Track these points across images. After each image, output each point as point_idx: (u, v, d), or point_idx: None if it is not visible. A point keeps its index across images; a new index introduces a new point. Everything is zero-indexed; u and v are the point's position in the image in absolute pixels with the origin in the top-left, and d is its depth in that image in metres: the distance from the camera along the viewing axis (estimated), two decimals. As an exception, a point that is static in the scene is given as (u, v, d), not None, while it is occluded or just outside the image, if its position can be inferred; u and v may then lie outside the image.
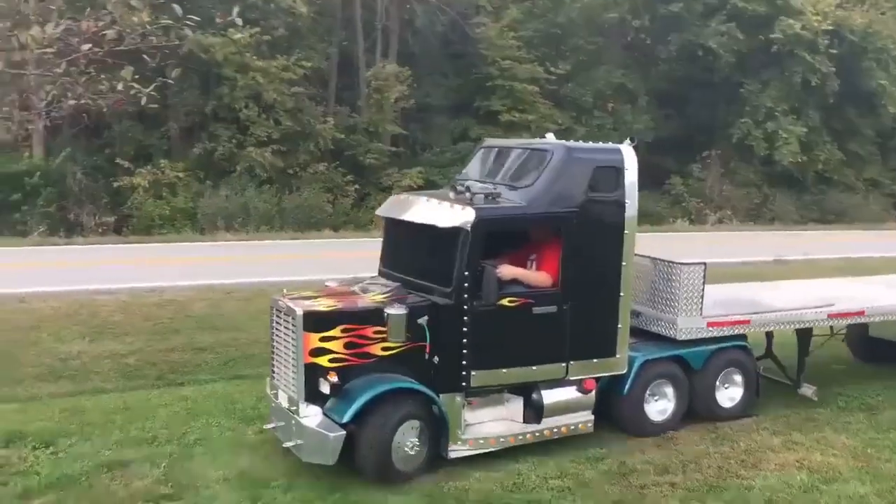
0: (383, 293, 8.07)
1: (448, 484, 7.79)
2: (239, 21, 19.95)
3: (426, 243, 8.35)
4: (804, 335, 10.22)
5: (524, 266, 8.35)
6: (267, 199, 26.22)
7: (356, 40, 30.87)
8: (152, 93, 8.70)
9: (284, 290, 8.30)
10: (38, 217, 24.52)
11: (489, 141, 9.88)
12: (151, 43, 8.17)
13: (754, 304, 9.91)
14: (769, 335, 10.27)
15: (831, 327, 10.80)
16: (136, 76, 8.65)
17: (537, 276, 8.23)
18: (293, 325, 7.61)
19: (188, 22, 8.41)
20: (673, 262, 9.06)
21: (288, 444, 7.78)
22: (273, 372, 8.27)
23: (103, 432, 8.89)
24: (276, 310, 8.06)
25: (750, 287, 11.61)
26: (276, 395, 8.20)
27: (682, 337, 8.99)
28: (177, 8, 8.34)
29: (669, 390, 9.10)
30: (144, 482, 7.63)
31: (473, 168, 9.29)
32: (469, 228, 7.69)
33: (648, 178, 34.56)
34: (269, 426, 8.34)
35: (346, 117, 29.87)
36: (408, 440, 7.65)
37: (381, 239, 9.32)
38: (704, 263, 9.03)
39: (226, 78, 26.66)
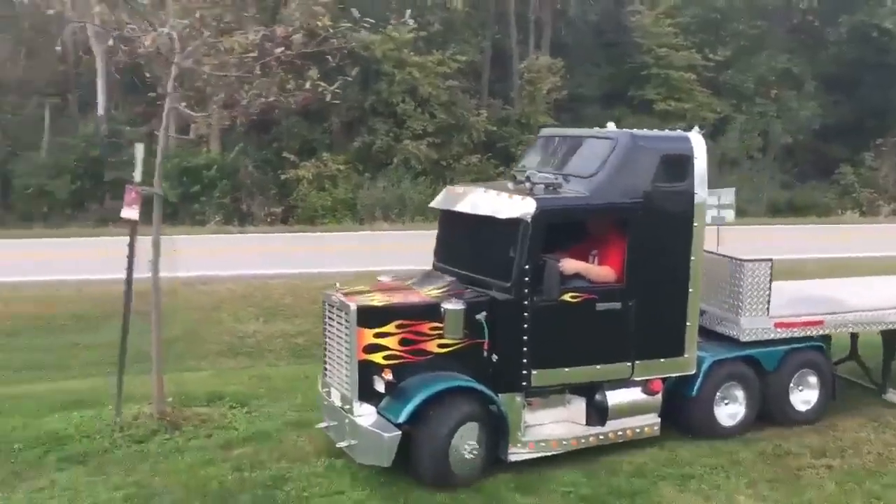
0: (439, 288, 7.83)
1: (600, 458, 7.89)
2: (411, 22, 20.74)
3: (484, 236, 8.04)
4: (890, 337, 9.61)
5: (586, 260, 8.03)
6: (422, 191, 26.95)
7: (509, 33, 31.16)
8: (337, 90, 9.51)
9: (337, 284, 8.11)
10: (215, 207, 26.39)
11: (548, 130, 9.54)
12: (333, 45, 8.89)
13: (835, 304, 9.27)
14: (853, 336, 9.74)
15: None
16: (318, 76, 9.51)
17: (600, 270, 7.89)
18: (346, 320, 7.38)
19: (364, 24, 9.03)
20: (737, 259, 8.62)
21: (341, 445, 7.56)
22: (325, 369, 8.08)
23: (288, 396, 9.74)
24: (329, 304, 7.84)
25: (843, 284, 10.78)
26: (328, 394, 7.99)
27: (746, 338, 8.53)
28: (354, 12, 8.99)
29: (740, 393, 8.63)
30: (326, 440, 8.09)
31: (532, 158, 8.94)
32: (530, 220, 7.38)
33: (815, 168, 33.02)
34: (322, 426, 8.09)
35: (498, 109, 30.25)
36: (466, 442, 7.31)
37: (436, 232, 8.97)
38: (771, 260, 8.53)
39: (384, 74, 27.65)
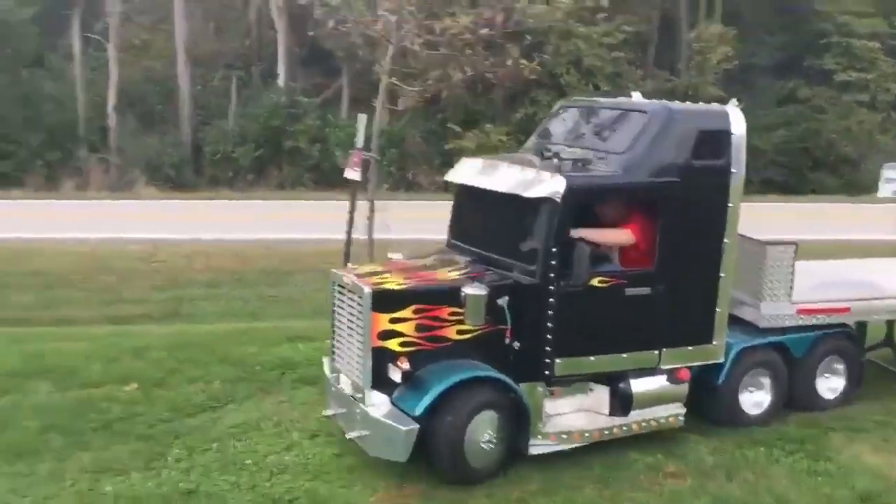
0: (458, 269, 7.33)
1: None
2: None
3: (507, 215, 7.48)
4: None
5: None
6: (583, 162, 27.04)
7: (678, 2, 30.44)
8: (536, 66, 10.33)
9: (349, 265, 7.57)
10: (384, 175, 27.71)
11: (566, 101, 8.87)
12: (530, 25, 9.76)
13: (866, 288, 8.82)
14: (890, 323, 9.35)
15: None
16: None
17: (613, 234, 7.38)
18: (360, 303, 6.87)
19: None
20: (759, 241, 8.23)
21: (351, 435, 7.06)
22: (334, 353, 7.54)
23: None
24: (339, 286, 7.28)
25: (885, 265, 10.16)
26: (337, 380, 7.48)
27: (765, 324, 8.17)
28: None
29: (766, 380, 8.27)
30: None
31: (554, 130, 8.24)
32: (559, 199, 6.85)
33: None
34: (329, 413, 7.57)
35: (663, 81, 29.75)
36: (483, 434, 6.88)
37: (452, 207, 8.39)
38: (795, 244, 8.17)
39: (549, 45, 27.84)
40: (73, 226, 18.41)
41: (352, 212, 10.94)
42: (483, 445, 6.87)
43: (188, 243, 17.36)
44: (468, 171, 7.95)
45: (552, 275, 6.92)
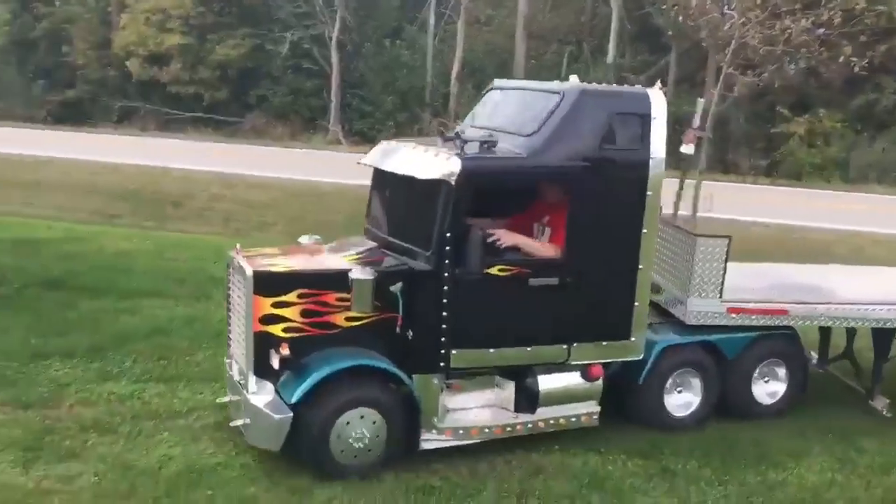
0: (357, 254, 7.04)
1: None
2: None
3: (408, 198, 7.18)
4: (882, 336, 8.46)
5: (530, 231, 7.17)
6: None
7: None
8: (864, 63, 11.32)
9: (238, 245, 7.19)
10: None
11: (499, 82, 8.40)
12: (866, 25, 10.90)
13: (817, 293, 8.29)
14: (850, 332, 8.85)
15: None
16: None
17: (544, 247, 7.02)
18: (244, 286, 6.60)
19: None
20: (690, 233, 7.86)
21: (236, 423, 6.83)
22: (229, 338, 7.28)
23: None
24: (231, 267, 7.04)
25: (843, 271, 9.75)
26: (230, 366, 7.25)
27: (692, 321, 7.75)
28: None
29: (696, 381, 7.83)
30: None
31: (479, 113, 7.98)
32: (453, 182, 6.52)
33: None
34: (224, 399, 7.36)
35: None
36: (355, 430, 6.55)
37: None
38: (729, 238, 7.71)
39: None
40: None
41: (680, 189, 12.34)
42: (353, 442, 6.56)
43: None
44: (376, 154, 7.63)
45: (447, 261, 6.61)
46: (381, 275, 6.61)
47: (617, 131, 6.98)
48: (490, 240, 6.76)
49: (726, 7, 13.15)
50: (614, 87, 7.62)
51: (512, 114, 7.48)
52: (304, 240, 7.47)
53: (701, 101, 11.84)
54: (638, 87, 7.38)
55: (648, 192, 7.05)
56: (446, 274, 6.62)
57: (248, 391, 6.63)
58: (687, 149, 11.51)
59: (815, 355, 9.30)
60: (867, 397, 8.67)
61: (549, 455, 7.18)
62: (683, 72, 28.99)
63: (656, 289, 8.06)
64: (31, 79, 35.77)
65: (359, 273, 6.54)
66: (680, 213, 12.29)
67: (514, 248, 6.91)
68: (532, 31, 32.44)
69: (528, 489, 6.65)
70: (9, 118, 32.13)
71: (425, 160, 6.84)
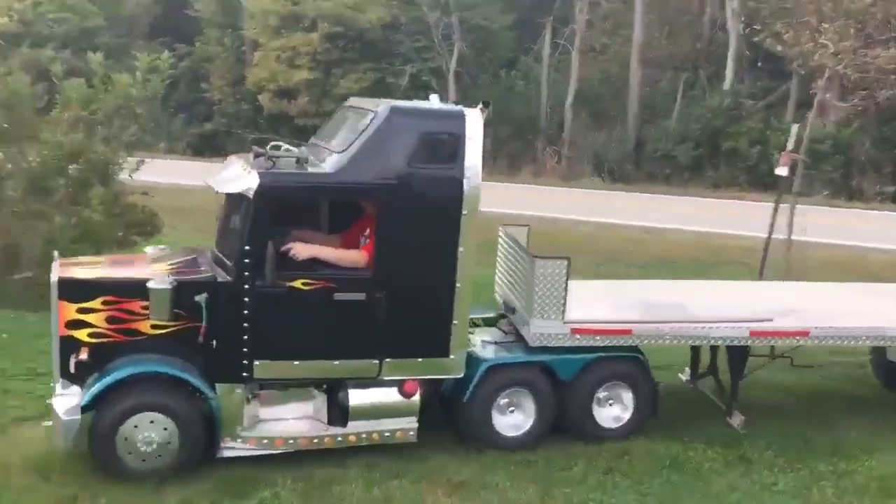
0: (172, 264, 7.21)
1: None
2: None
3: (227, 211, 7.42)
4: (737, 354, 8.26)
5: (356, 246, 7.21)
6: None
7: None
8: None
9: (55, 254, 7.37)
10: (824, 181, 26.95)
11: (351, 100, 8.44)
12: None
13: (677, 311, 8.15)
14: (713, 349, 8.67)
15: (772, 348, 8.60)
16: None
17: (349, 255, 7.07)
18: (52, 291, 6.87)
19: None
20: (529, 255, 7.77)
21: (45, 423, 7.13)
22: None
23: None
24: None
25: (706, 288, 9.83)
26: None
27: (535, 343, 7.58)
28: None
29: (529, 402, 7.67)
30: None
31: (321, 130, 8.22)
32: (251, 196, 6.69)
33: None
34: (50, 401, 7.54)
35: None
36: (143, 434, 6.70)
37: None
38: (567, 259, 7.56)
39: None
40: (529, 205, 20.97)
41: (775, 211, 12.50)
42: (141, 446, 6.72)
43: (625, 229, 19.70)
44: (217, 169, 7.83)
45: (247, 273, 6.77)
46: (181, 284, 6.76)
47: (428, 150, 7.02)
48: (284, 251, 6.87)
49: (821, 37, 13.80)
50: (429, 105, 7.54)
51: (336, 131, 7.70)
52: (149, 250, 7.81)
53: (794, 127, 12.62)
54: (455, 107, 7.46)
55: (464, 212, 7.07)
56: (247, 286, 6.79)
57: (54, 394, 6.90)
58: (781, 170, 12.22)
59: (689, 371, 9.36)
60: (727, 413, 8.49)
61: (635, 441, 7.73)
62: (805, 97, 28.44)
63: (510, 309, 8.15)
64: (172, 114, 38.62)
65: (156, 283, 6.73)
66: (779, 236, 12.73)
67: (314, 260, 6.99)
68: (647, 58, 32.58)
69: (614, 467, 7.31)
70: (154, 151, 34.76)
71: (232, 175, 7.12)
